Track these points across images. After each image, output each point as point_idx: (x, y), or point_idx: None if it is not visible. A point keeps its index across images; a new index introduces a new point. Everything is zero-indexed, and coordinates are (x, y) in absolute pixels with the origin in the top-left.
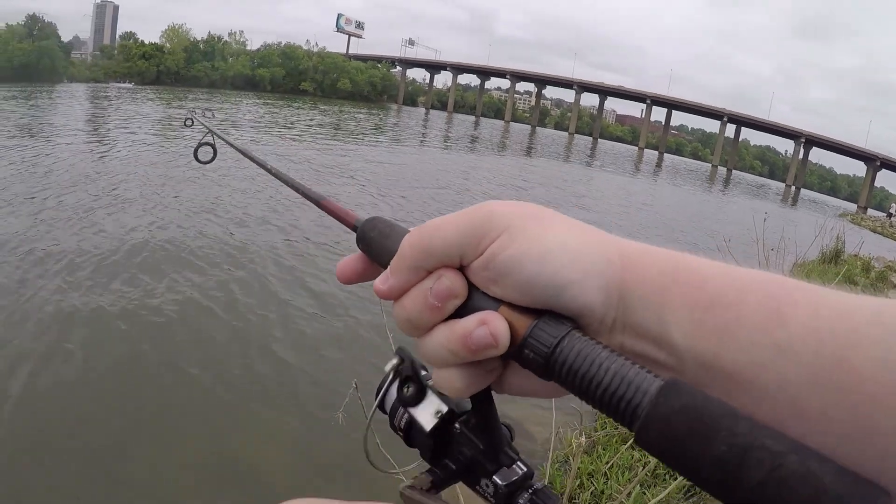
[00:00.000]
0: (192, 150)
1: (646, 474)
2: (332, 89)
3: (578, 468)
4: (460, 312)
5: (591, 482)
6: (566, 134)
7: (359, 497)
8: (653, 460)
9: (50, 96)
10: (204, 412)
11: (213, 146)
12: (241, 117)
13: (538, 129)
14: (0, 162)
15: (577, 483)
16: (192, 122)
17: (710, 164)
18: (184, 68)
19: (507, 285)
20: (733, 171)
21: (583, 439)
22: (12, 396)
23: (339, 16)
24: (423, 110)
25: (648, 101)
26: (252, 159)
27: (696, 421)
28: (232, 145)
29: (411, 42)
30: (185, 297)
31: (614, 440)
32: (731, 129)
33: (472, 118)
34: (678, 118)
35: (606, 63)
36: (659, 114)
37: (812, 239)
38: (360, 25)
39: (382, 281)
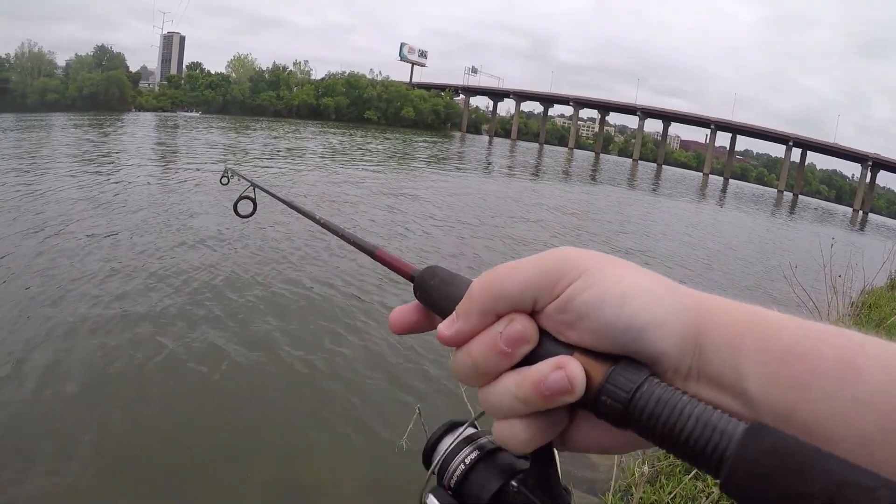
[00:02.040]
0: (232, 204)
1: None
2: (396, 118)
3: (641, 498)
4: (529, 360)
5: None
6: (630, 161)
7: None
8: (716, 491)
9: (119, 124)
10: (270, 439)
11: (252, 200)
12: (311, 146)
13: (602, 155)
14: (72, 185)
15: None
16: (228, 180)
17: (776, 190)
18: (249, 97)
19: (583, 329)
20: (800, 196)
21: (645, 468)
22: (92, 416)
23: (402, 45)
24: (486, 138)
25: (713, 127)
26: (298, 210)
27: (787, 460)
28: (277, 198)
29: (474, 70)
30: (249, 324)
31: (677, 470)
32: (796, 154)
33: (536, 145)
34: (743, 143)
35: (670, 88)
36: (723, 139)
37: (880, 265)
38: (423, 54)
39: (448, 325)
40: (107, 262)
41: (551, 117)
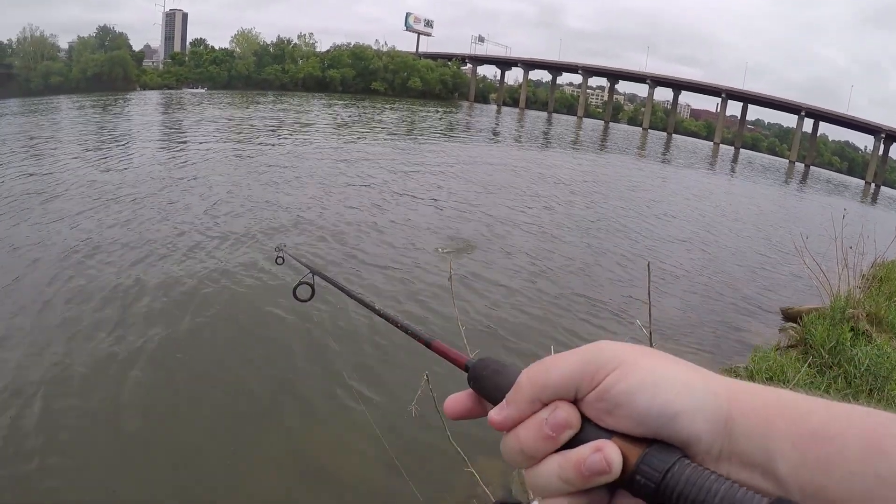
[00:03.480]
0: (291, 289)
1: None
2: (403, 88)
3: None
4: (572, 443)
5: None
6: (640, 129)
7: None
8: None
9: (125, 103)
10: (281, 412)
11: (311, 285)
12: (318, 119)
13: (611, 124)
14: (80, 167)
15: None
16: (283, 260)
17: (787, 160)
18: (254, 72)
19: (620, 415)
20: (811, 168)
21: None
22: (104, 396)
23: (408, 14)
24: (494, 107)
25: (724, 95)
26: (356, 299)
27: None
28: (335, 284)
29: (481, 39)
30: (257, 305)
31: None
32: (808, 124)
33: (545, 114)
34: (754, 112)
35: (680, 56)
36: (734, 108)
37: (892, 238)
38: (428, 24)
39: (498, 412)
40: (135, 245)
41: (560, 86)
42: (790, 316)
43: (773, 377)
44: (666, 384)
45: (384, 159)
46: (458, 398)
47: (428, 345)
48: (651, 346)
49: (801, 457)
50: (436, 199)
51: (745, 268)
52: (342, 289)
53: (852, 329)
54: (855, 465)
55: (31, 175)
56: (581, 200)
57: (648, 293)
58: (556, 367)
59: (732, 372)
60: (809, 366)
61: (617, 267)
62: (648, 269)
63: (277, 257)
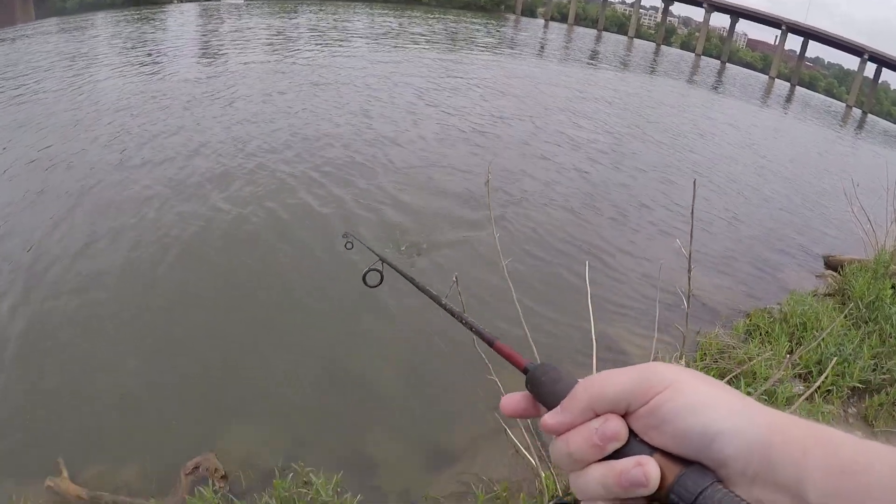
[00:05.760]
0: (361, 275)
1: None
2: None
3: None
4: (616, 455)
5: None
6: (692, 55)
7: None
8: None
9: (163, 17)
10: (317, 327)
11: (380, 272)
12: (358, 29)
13: (663, 47)
14: (118, 80)
15: None
16: (352, 245)
17: (844, 104)
18: None
19: (665, 432)
20: (868, 115)
21: (683, 362)
22: (150, 297)
23: None
24: (542, 22)
25: (784, 28)
26: (424, 291)
27: None
28: (404, 275)
29: None
30: (298, 221)
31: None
32: (870, 69)
33: (594, 32)
34: (814, 50)
35: None
36: (794, 43)
37: None
38: None
39: (553, 416)
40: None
41: (611, 3)
42: (831, 264)
43: (807, 322)
44: (710, 407)
45: (427, 72)
46: (514, 398)
47: (491, 344)
48: (689, 267)
49: (831, 487)
50: (476, 114)
51: (790, 209)
52: (409, 278)
53: (893, 286)
54: (880, 497)
55: (73, 89)
56: (629, 124)
57: (692, 211)
58: (613, 382)
59: (767, 312)
60: (846, 317)
61: (661, 188)
62: (694, 186)
63: (346, 243)
